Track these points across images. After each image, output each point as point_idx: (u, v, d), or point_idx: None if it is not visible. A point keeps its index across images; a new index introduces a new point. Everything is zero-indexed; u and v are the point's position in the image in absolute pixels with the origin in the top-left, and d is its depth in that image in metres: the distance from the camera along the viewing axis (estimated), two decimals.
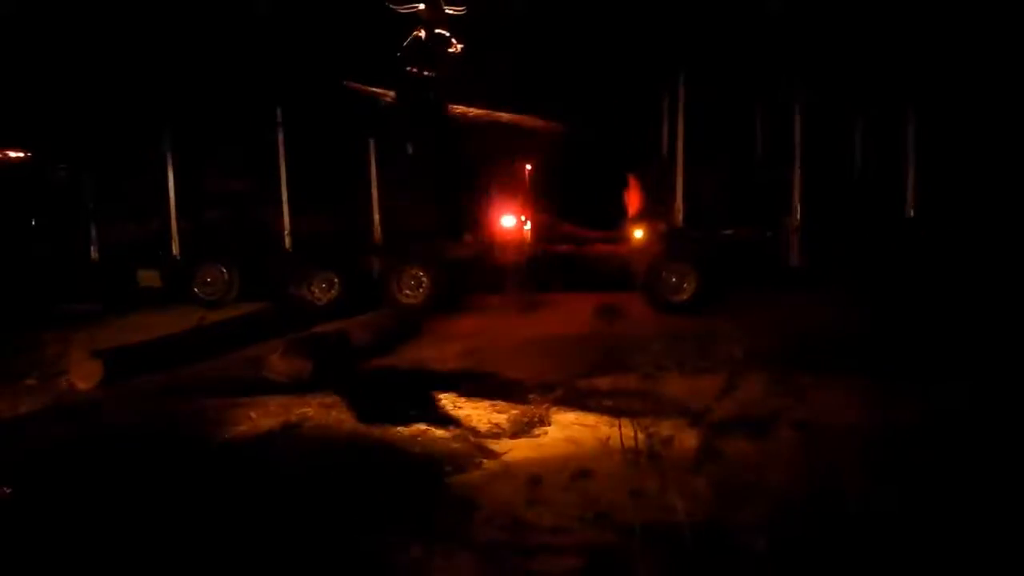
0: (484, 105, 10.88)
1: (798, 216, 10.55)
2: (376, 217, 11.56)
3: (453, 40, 8.34)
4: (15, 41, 14.26)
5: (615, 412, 5.72)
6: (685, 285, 10.81)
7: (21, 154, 12.61)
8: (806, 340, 7.64)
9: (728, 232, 10.89)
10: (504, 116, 10.51)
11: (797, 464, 4.18)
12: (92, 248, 12.34)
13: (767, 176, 10.95)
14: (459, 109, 10.24)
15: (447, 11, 8.48)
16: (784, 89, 10.75)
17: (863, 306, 9.03)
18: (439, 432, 5.58)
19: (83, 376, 7.30)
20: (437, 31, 8.35)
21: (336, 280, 11.70)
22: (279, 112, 11.69)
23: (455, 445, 5.28)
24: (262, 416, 5.97)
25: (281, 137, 11.69)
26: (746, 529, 3.51)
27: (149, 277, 12.22)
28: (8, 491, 4.63)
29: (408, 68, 8.53)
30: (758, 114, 11.40)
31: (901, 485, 3.89)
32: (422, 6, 8.31)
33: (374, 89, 10.63)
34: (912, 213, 10.33)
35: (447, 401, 6.44)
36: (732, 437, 4.71)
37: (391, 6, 9.04)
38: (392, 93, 9.74)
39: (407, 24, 9.14)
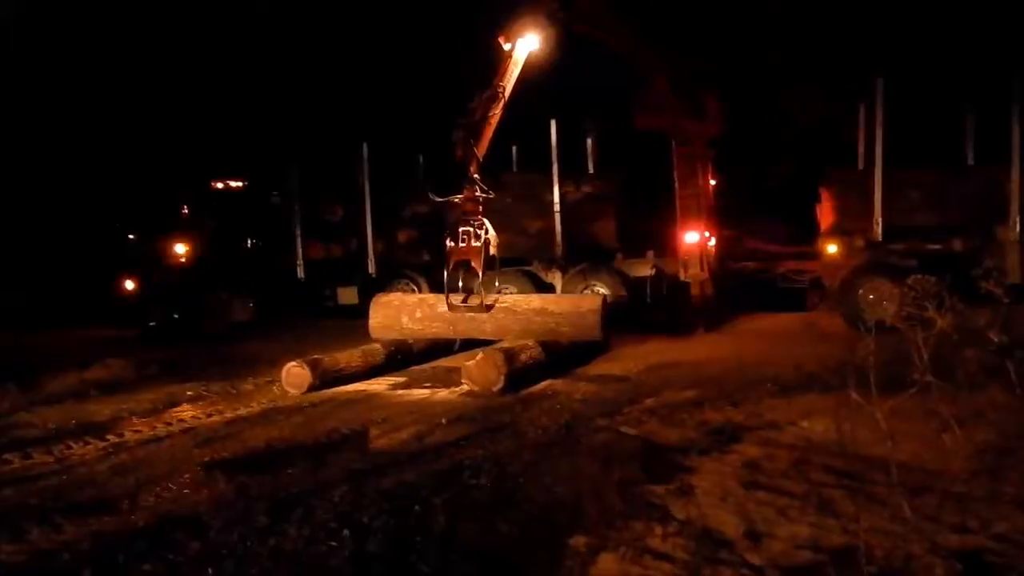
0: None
1: (1017, 227, 9.64)
2: (558, 232, 11.77)
3: (487, 227, 8.46)
4: (237, 86, 15.86)
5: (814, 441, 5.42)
6: (885, 303, 10.12)
7: (241, 183, 13.93)
8: None
9: (934, 246, 10.11)
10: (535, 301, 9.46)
11: None
12: (298, 267, 13.43)
13: (978, 184, 10.11)
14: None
15: (480, 197, 8.57)
16: (996, 89, 9.90)
17: None
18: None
19: (294, 383, 7.90)
20: (475, 220, 8.48)
21: None
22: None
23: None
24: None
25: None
26: None
27: (348, 294, 13.11)
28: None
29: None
30: (966, 117, 10.56)
31: None
32: (459, 198, 8.52)
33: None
34: None
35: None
36: None
37: (432, 196, 9.28)
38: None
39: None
